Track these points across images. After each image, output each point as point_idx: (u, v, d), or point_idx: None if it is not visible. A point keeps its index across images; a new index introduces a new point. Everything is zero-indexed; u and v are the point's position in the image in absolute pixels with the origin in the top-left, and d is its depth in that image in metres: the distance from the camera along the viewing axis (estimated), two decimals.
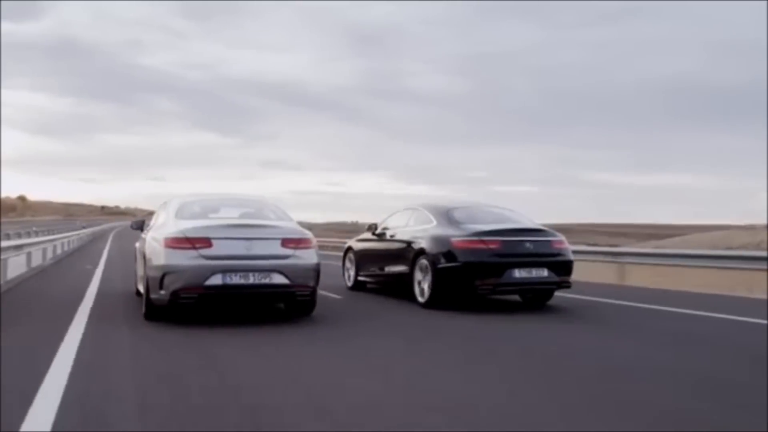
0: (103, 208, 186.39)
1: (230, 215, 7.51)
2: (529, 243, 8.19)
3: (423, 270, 8.52)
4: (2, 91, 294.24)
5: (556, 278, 8.29)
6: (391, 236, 9.74)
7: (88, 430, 3.26)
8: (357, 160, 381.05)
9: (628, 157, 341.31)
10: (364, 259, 10.61)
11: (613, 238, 61.80)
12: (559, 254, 8.40)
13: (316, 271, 7.03)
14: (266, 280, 6.62)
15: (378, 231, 10.23)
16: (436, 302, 8.29)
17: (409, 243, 9.04)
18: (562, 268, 8.38)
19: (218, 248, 6.51)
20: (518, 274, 8.05)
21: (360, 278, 10.68)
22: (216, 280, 6.45)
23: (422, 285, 8.53)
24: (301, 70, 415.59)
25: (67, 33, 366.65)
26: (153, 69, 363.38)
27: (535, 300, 8.87)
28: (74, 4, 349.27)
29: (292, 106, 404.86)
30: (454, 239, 8.18)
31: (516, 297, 9.18)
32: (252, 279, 6.56)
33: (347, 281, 11.08)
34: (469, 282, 8.00)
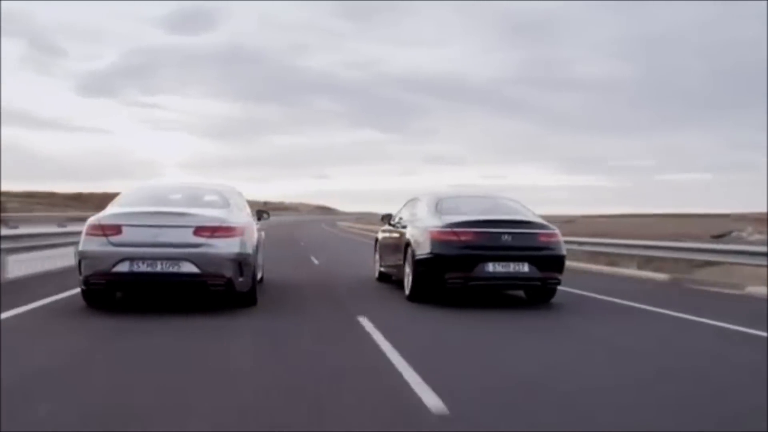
0: (265, 203, 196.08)
1: (171, 203, 7.46)
2: (507, 235, 7.60)
3: (410, 262, 8.28)
4: (182, 99, 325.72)
5: (538, 274, 7.64)
6: (396, 227, 9.59)
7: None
8: (517, 152, 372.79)
9: None
10: (382, 250, 10.57)
11: None
12: (544, 248, 7.73)
13: (236, 261, 6.69)
14: (174, 269, 6.46)
15: (393, 222, 10.09)
16: (417, 295, 8.03)
17: (403, 234, 8.84)
18: (548, 263, 7.70)
19: (127, 235, 6.49)
20: (492, 268, 7.52)
21: (381, 270, 10.61)
22: (123, 267, 6.41)
23: (409, 277, 8.29)
24: (458, 64, 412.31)
25: (236, 41, 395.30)
26: (314, 70, 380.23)
27: (536, 296, 8.25)
28: (243, 14, 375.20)
29: (451, 101, 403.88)
30: (430, 230, 7.84)
31: (521, 293, 8.62)
32: (160, 267, 6.43)
33: (376, 272, 11.05)
34: (440, 275, 7.63)
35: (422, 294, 7.97)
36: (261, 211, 9.72)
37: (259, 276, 9.03)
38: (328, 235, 39.15)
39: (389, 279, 10.46)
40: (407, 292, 8.26)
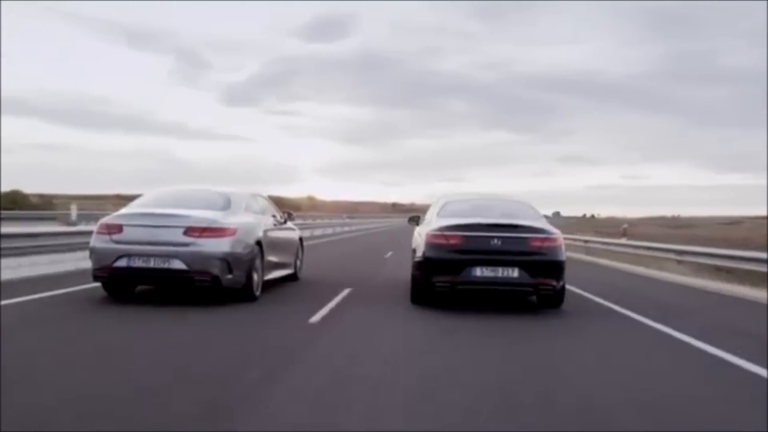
0: (394, 205, 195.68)
1: (171, 205, 7.76)
2: (496, 239, 7.47)
3: (413, 264, 8.38)
4: (318, 106, 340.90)
5: (529, 280, 7.45)
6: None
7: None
8: (660, 151, 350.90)
9: None
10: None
11: None
12: (536, 253, 7.50)
13: (224, 260, 7.16)
14: (165, 265, 7.07)
15: (418, 223, 10.17)
16: (415, 298, 8.14)
17: (414, 236, 8.96)
18: (540, 269, 7.49)
19: (127, 234, 7.22)
20: (480, 272, 7.45)
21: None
22: (122, 262, 7.15)
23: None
24: (597, 61, 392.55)
25: (369, 47, 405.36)
26: (446, 73, 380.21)
27: (545, 303, 8.06)
28: (375, 20, 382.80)
29: (589, 99, 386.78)
30: (426, 233, 7.91)
31: (533, 298, 8.41)
32: (152, 263, 7.09)
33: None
34: (429, 278, 7.68)
35: (420, 297, 8.05)
36: (289, 213, 10.29)
37: (285, 273, 9.58)
38: None
39: None
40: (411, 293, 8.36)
